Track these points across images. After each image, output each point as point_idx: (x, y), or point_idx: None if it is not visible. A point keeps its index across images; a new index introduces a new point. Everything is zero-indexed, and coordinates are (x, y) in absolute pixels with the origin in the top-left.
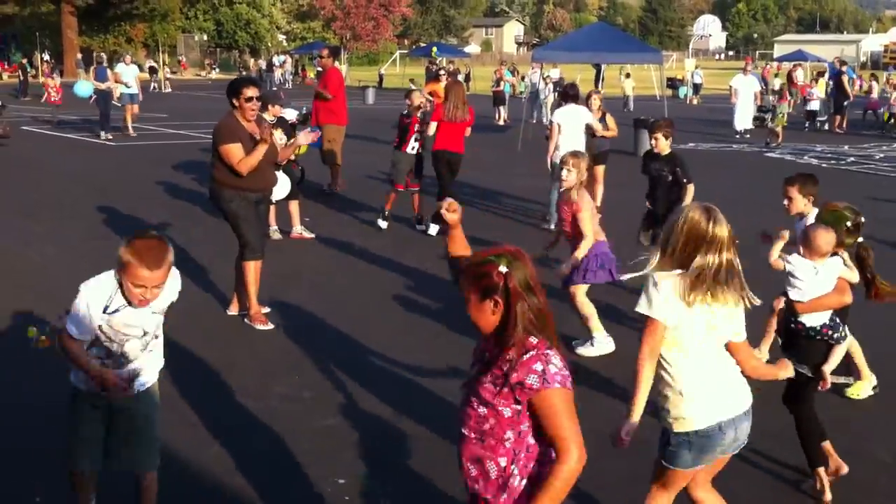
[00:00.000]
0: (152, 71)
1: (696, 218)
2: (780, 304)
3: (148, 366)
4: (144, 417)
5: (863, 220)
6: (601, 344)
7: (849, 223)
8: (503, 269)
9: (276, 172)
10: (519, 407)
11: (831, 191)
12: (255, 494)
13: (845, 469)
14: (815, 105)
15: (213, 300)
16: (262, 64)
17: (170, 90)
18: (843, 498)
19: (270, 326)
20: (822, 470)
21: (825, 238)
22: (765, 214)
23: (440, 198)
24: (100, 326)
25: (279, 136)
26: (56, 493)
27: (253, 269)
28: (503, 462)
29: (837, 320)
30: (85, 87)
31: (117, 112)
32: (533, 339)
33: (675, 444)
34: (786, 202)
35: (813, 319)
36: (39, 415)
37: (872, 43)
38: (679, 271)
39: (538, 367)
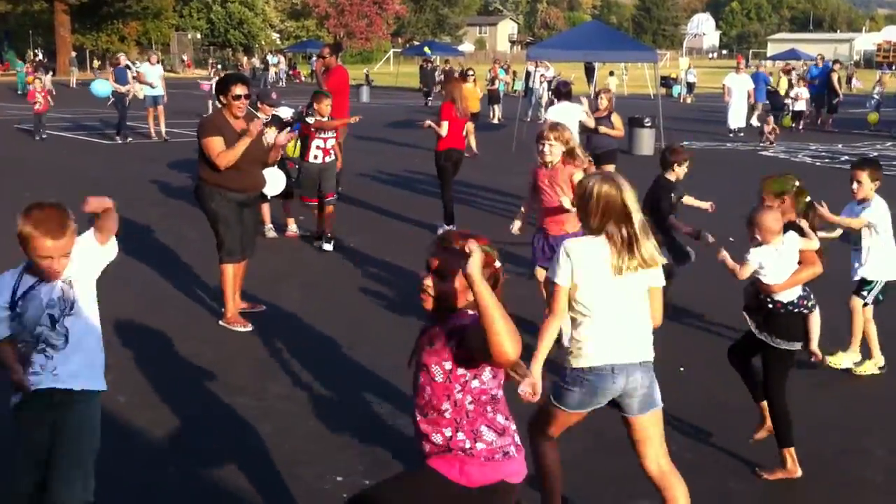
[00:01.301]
0: (126, 69)
1: (612, 193)
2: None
3: (78, 363)
4: (72, 438)
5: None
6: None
7: (797, 183)
8: (498, 264)
9: (271, 169)
10: (449, 366)
11: (826, 189)
12: (251, 492)
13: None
14: (801, 105)
15: (207, 300)
16: (256, 62)
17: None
18: (840, 495)
19: (249, 328)
20: (793, 450)
21: (773, 216)
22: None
23: (446, 200)
24: (14, 325)
25: (272, 135)
26: None
27: (230, 271)
28: (448, 432)
29: (808, 289)
30: (103, 86)
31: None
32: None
33: (570, 381)
34: (854, 186)
35: (788, 295)
36: None
37: (865, 42)
38: (593, 237)
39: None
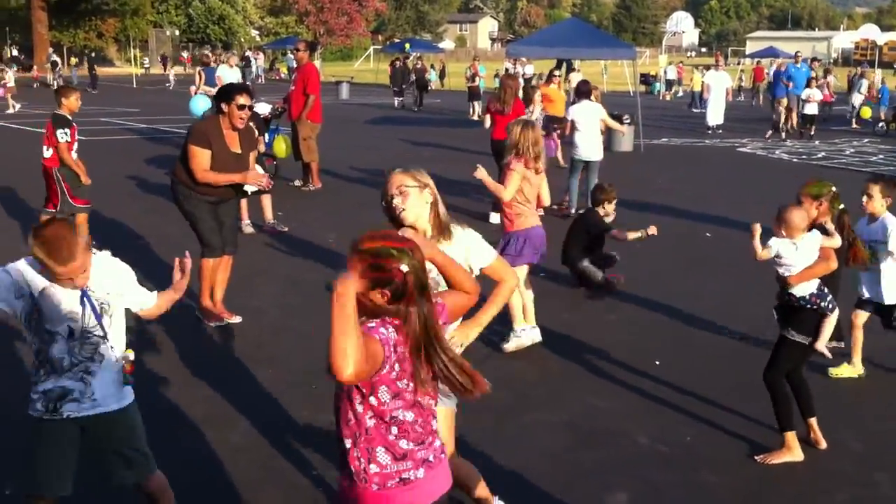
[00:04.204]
0: (54, 66)
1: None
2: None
3: (103, 387)
4: (120, 437)
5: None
6: (524, 335)
7: (833, 188)
8: (404, 268)
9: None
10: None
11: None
12: (229, 487)
13: (823, 444)
14: (812, 108)
15: (185, 296)
16: (235, 59)
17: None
18: (814, 486)
19: (223, 322)
20: (794, 433)
21: (800, 215)
22: (737, 207)
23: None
24: (30, 314)
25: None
26: None
27: (209, 265)
28: (347, 443)
29: (825, 290)
30: (202, 102)
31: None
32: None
33: None
34: (864, 199)
35: (802, 289)
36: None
37: (843, 40)
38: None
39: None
